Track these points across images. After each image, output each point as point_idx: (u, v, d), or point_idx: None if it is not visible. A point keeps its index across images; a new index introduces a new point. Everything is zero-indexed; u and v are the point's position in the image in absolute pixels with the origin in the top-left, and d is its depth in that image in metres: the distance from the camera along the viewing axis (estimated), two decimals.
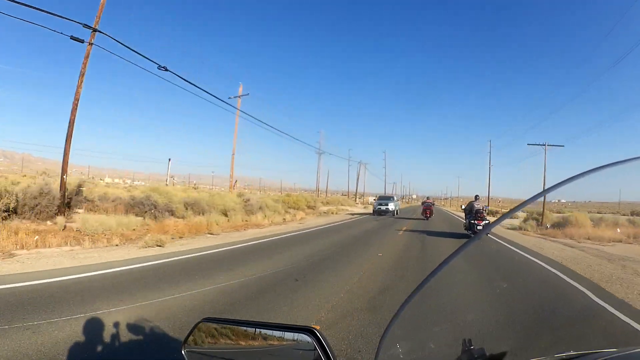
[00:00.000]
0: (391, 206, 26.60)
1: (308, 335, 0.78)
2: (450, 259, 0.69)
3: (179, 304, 4.24)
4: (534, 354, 1.71)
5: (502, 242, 12.28)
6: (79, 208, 13.41)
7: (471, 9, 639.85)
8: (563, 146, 25.27)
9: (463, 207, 15.28)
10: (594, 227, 16.02)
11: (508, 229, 18.71)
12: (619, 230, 15.01)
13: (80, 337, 3.18)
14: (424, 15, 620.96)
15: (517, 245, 11.48)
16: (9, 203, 10.99)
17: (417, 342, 2.98)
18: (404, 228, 16.74)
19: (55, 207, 11.92)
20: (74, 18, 12.04)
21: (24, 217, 11.38)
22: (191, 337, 0.90)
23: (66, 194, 13.53)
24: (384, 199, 28.76)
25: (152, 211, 12.77)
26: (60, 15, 11.68)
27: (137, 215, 12.87)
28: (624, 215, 34.22)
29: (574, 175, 0.66)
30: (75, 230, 10.79)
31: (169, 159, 61.43)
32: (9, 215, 10.89)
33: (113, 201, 13.95)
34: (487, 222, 12.90)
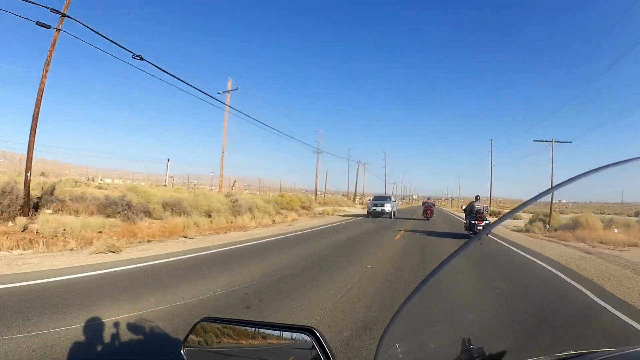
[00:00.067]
0: (388, 207, 24.36)
1: (307, 335, 0.78)
2: (450, 259, 0.70)
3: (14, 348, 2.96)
4: (533, 353, 1.60)
5: (513, 247, 11.14)
6: (47, 208, 12.44)
7: (471, 9, 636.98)
8: (571, 142, 24.14)
9: (463, 207, 15.14)
10: (605, 230, 14.86)
11: (513, 230, 17.52)
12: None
13: None
14: (424, 15, 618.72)
15: (529, 251, 10.15)
16: None
17: (417, 342, 2.92)
18: (402, 230, 15.78)
19: (19, 207, 10.97)
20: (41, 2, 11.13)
21: None
22: (190, 337, 0.90)
23: (31, 193, 12.62)
24: (380, 199, 26.24)
25: (126, 212, 11.75)
26: None
27: (109, 216, 11.88)
28: (628, 216, 33.02)
29: (574, 175, 0.67)
30: (35, 232, 9.85)
31: (168, 159, 60.83)
32: None
33: (85, 201, 12.96)
34: (487, 222, 12.83)
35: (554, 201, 19.39)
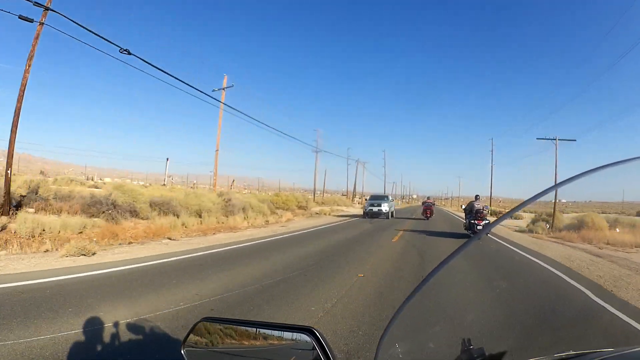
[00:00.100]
0: (385, 207, 22.56)
1: (307, 335, 0.78)
2: (449, 259, 0.70)
3: None
4: (533, 353, 1.53)
5: (516, 249, 10.60)
6: (30, 207, 11.99)
7: (471, 9, 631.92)
8: (575, 140, 23.54)
9: (463, 207, 15.12)
10: (611, 230, 14.32)
11: (516, 231, 16.93)
12: None
13: None
14: (424, 15, 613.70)
15: (535, 254, 9.46)
16: None
17: (417, 342, 2.89)
18: (402, 230, 15.30)
19: None
20: None
21: None
22: (191, 337, 0.89)
23: (17, 191, 12.18)
24: (377, 198, 24.31)
25: (110, 212, 11.28)
26: None
27: (92, 215, 11.42)
28: (630, 215, 32.54)
29: (574, 175, 0.68)
30: (13, 232, 9.40)
31: (167, 159, 60.67)
32: None
33: (71, 200, 12.50)
34: (487, 222, 12.81)
35: (553, 201, 18.83)
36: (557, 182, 0.69)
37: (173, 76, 13.64)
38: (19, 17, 11.10)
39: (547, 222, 18.10)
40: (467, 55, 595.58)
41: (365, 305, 4.46)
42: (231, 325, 0.89)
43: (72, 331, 3.30)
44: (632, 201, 79.87)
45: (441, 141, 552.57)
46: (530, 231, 16.74)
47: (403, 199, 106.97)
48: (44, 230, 9.50)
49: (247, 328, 0.88)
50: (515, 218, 23.73)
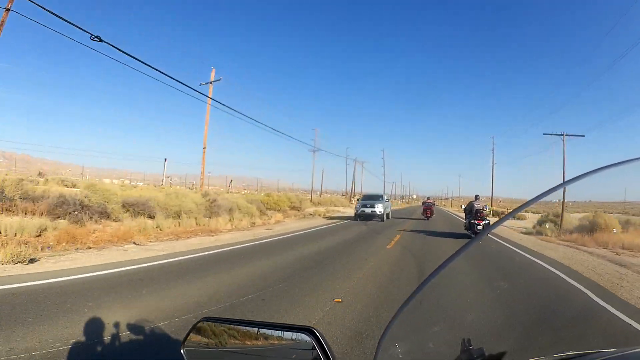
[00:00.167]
0: (379, 208, 19.39)
1: (307, 335, 0.77)
2: (450, 261, 0.69)
3: None
4: (533, 354, 1.52)
5: (523, 252, 9.60)
6: None
7: (471, 9, 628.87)
8: (583, 136, 22.88)
9: (463, 207, 15.02)
10: (624, 232, 13.26)
11: (522, 233, 15.75)
12: None
13: None
14: (424, 15, 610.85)
15: (555, 264, 8.08)
16: None
17: (417, 342, 2.69)
18: (402, 230, 14.32)
19: None
20: None
21: None
22: (190, 337, 0.88)
23: None
24: (370, 198, 21.24)
25: (77, 213, 10.33)
26: None
27: (59, 217, 10.49)
28: (634, 215, 31.46)
29: (581, 174, 0.68)
30: None
31: (165, 159, 59.75)
32: None
33: (41, 200, 11.55)
34: (487, 222, 12.58)
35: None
36: (557, 183, 0.70)
37: (151, 66, 12.66)
38: None
39: (555, 222, 17.02)
40: (467, 55, 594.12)
41: (338, 352, 3.03)
42: (231, 325, 0.89)
43: None
44: (634, 201, 78.76)
45: (441, 141, 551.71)
46: (539, 233, 15.63)
47: (403, 199, 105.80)
48: None
49: (247, 328, 0.88)
50: (518, 218, 22.81)
